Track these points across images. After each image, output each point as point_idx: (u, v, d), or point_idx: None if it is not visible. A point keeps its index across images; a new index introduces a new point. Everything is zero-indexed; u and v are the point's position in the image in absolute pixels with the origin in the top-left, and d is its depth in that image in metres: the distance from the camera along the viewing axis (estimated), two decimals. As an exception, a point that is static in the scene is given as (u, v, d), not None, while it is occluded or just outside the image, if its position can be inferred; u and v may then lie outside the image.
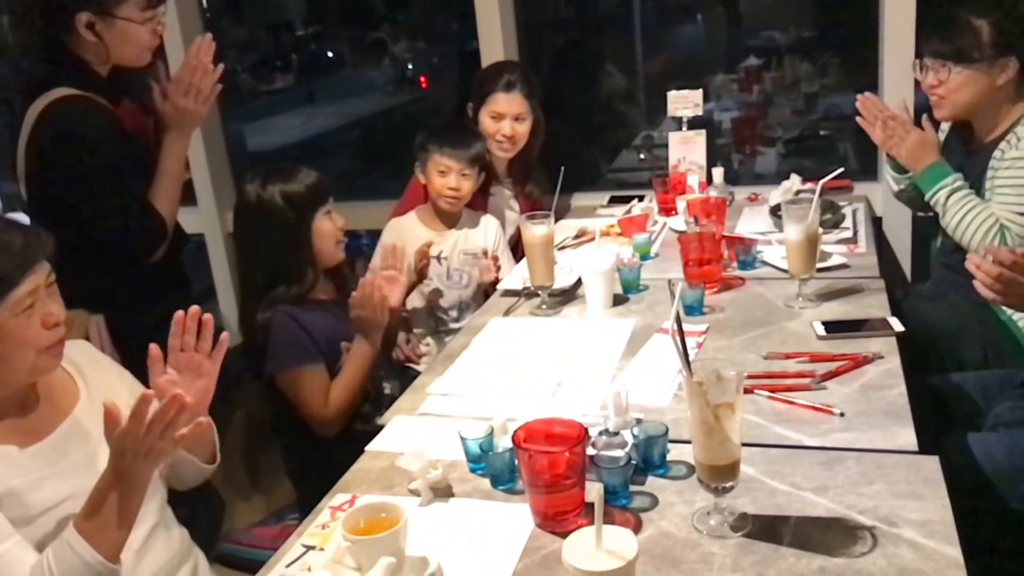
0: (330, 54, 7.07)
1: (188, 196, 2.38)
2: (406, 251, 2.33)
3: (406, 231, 2.59)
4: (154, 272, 2.20)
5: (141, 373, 1.63)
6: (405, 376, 2.36)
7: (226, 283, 3.49)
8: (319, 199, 2.03)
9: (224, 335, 1.52)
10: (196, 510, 1.67)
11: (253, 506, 2.08)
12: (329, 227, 2.05)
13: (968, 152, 2.33)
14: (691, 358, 1.21)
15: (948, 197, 2.21)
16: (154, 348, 1.47)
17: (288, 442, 2.10)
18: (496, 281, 2.49)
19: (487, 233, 2.64)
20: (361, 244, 3.47)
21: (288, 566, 1.28)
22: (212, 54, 2.12)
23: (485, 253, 2.56)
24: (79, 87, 2.04)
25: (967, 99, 2.22)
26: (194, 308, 1.51)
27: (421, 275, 2.49)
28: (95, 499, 1.29)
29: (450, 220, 2.62)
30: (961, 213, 2.17)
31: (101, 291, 2.10)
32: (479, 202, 2.77)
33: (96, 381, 1.50)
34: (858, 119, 2.42)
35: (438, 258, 2.59)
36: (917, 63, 2.31)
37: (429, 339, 2.64)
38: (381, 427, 1.67)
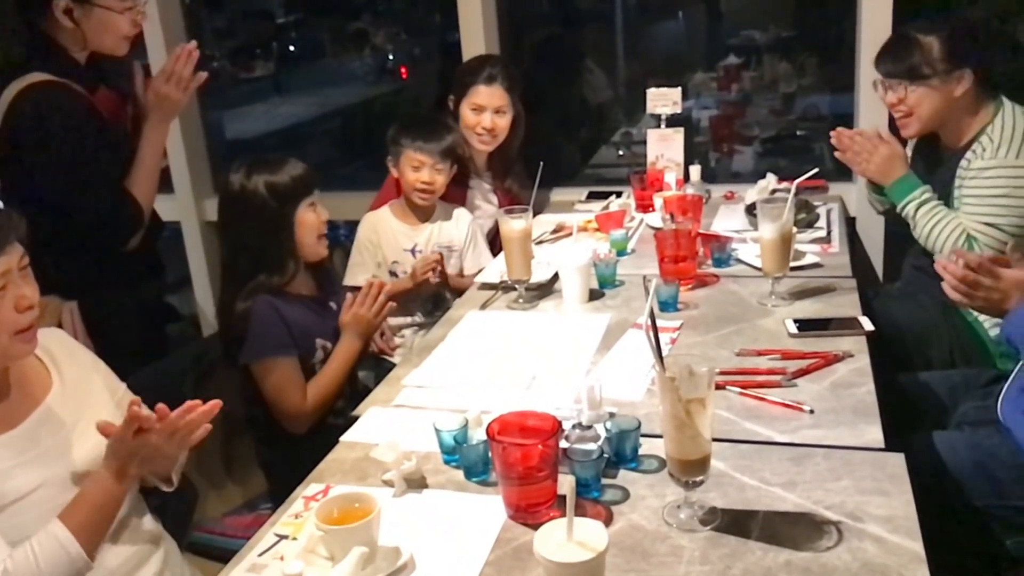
0: (310, 43, 7.04)
1: (165, 183, 2.37)
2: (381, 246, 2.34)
3: (381, 225, 2.60)
4: (129, 259, 2.19)
5: (114, 360, 1.62)
6: (380, 368, 2.37)
7: (201, 271, 3.47)
8: (304, 191, 2.02)
9: (217, 402, 1.36)
10: (168, 499, 1.66)
11: (225, 496, 2.07)
12: (312, 219, 2.04)
13: (936, 161, 2.37)
14: (664, 354, 1.23)
15: (917, 210, 2.26)
16: (133, 405, 1.32)
17: (261, 432, 2.09)
18: (444, 277, 2.52)
19: (460, 226, 2.66)
20: (339, 235, 3.46)
21: (261, 555, 1.28)
22: (194, 62, 2.11)
23: (441, 257, 2.55)
24: (55, 73, 2.02)
25: (929, 113, 2.26)
26: (215, 402, 1.36)
27: (419, 284, 2.49)
28: (89, 498, 1.31)
29: (424, 214, 2.63)
30: (930, 225, 2.22)
31: (75, 277, 2.09)
32: (457, 195, 2.78)
33: (69, 370, 1.49)
34: (836, 154, 2.47)
35: (412, 251, 2.60)
36: (877, 82, 2.34)
37: (404, 331, 2.65)
38: (355, 419, 1.68)
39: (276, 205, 1.99)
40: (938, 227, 2.20)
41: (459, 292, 2.48)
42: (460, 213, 2.69)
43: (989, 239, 2.13)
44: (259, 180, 1.99)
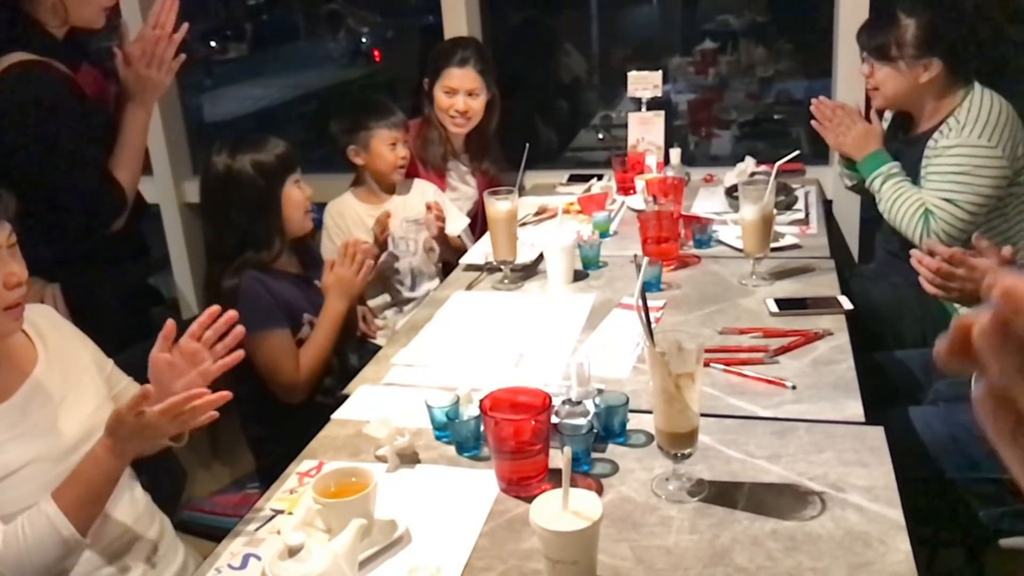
0: (283, 25, 6.97)
1: (144, 166, 2.35)
2: (351, 232, 2.38)
3: (346, 211, 2.62)
4: (113, 241, 2.18)
5: (98, 341, 1.62)
6: (364, 349, 2.38)
7: (181, 253, 3.46)
8: (288, 168, 2.05)
9: (239, 353, 1.50)
10: (157, 477, 1.67)
11: (213, 474, 2.09)
12: (298, 195, 2.07)
13: (907, 141, 2.42)
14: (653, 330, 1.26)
15: (883, 183, 2.32)
16: (171, 323, 1.47)
17: (249, 411, 2.10)
18: (442, 232, 2.57)
19: (424, 196, 2.68)
20: (314, 217, 3.45)
21: (257, 529, 1.30)
22: (175, 15, 2.08)
23: (428, 207, 2.59)
24: (36, 52, 2.00)
25: (891, 92, 2.33)
26: (232, 313, 1.49)
27: (383, 246, 2.52)
28: (82, 476, 1.31)
29: (386, 192, 2.65)
30: (893, 198, 2.28)
31: (58, 259, 2.07)
32: (435, 178, 2.79)
33: (56, 345, 1.50)
34: (813, 123, 2.51)
35: None
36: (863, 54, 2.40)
37: (386, 313, 2.66)
38: (344, 397, 1.70)
39: (263, 183, 2.00)
40: (899, 200, 2.26)
41: (456, 252, 2.54)
42: (422, 184, 2.72)
43: (946, 215, 2.18)
44: (245, 159, 2.00)
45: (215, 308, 1.49)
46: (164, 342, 1.45)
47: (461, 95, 2.76)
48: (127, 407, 1.28)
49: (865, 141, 2.41)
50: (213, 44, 6.23)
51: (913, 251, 1.80)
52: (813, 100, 2.52)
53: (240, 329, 1.50)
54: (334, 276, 2.11)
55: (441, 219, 2.58)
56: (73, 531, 1.29)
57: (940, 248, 1.75)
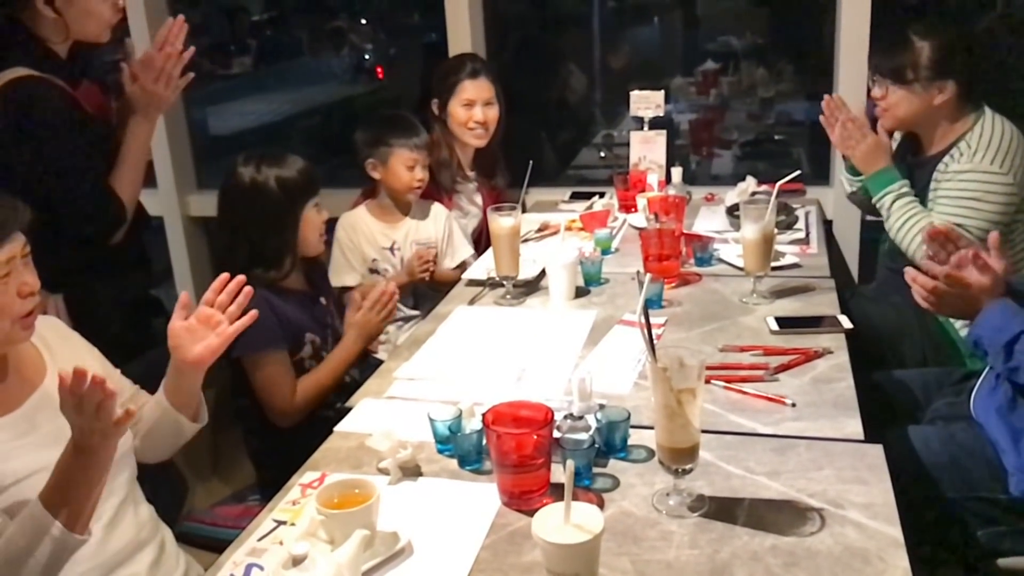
0: (287, 41, 7.01)
1: (148, 178, 2.37)
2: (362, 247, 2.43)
3: (359, 225, 2.63)
4: (115, 252, 2.19)
5: (100, 352, 1.63)
6: (365, 364, 2.39)
7: (184, 265, 3.47)
8: (311, 189, 2.06)
9: (254, 312, 1.59)
10: (158, 489, 1.68)
11: (214, 487, 2.08)
12: (316, 219, 2.09)
13: (916, 163, 2.43)
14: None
15: (893, 202, 2.32)
16: (185, 294, 1.55)
17: (250, 424, 2.10)
18: (431, 276, 2.58)
19: (437, 222, 2.70)
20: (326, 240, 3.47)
21: (260, 540, 1.30)
22: (184, 36, 2.11)
23: (419, 256, 2.59)
24: (36, 68, 2.01)
25: (903, 115, 2.33)
26: (241, 277, 1.58)
27: (416, 278, 2.56)
28: (58, 471, 1.29)
29: (402, 211, 2.66)
30: (904, 218, 2.28)
31: (61, 271, 2.08)
32: (444, 199, 2.80)
33: (64, 356, 1.51)
34: (821, 118, 2.50)
35: (391, 249, 2.63)
36: (869, 73, 2.41)
37: (388, 328, 2.67)
38: (347, 410, 1.70)
39: (286, 200, 2.01)
40: (910, 221, 2.26)
41: (442, 285, 2.52)
42: (436, 209, 2.73)
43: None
44: (270, 174, 2.01)
45: (225, 275, 1.57)
46: (181, 311, 1.54)
47: (479, 106, 2.78)
48: (66, 391, 1.23)
49: (875, 156, 2.40)
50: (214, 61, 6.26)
51: (907, 268, 1.81)
52: (827, 96, 2.49)
53: (249, 289, 1.58)
54: (361, 319, 2.12)
55: (426, 268, 2.57)
56: (62, 528, 1.26)
57: (935, 268, 1.76)
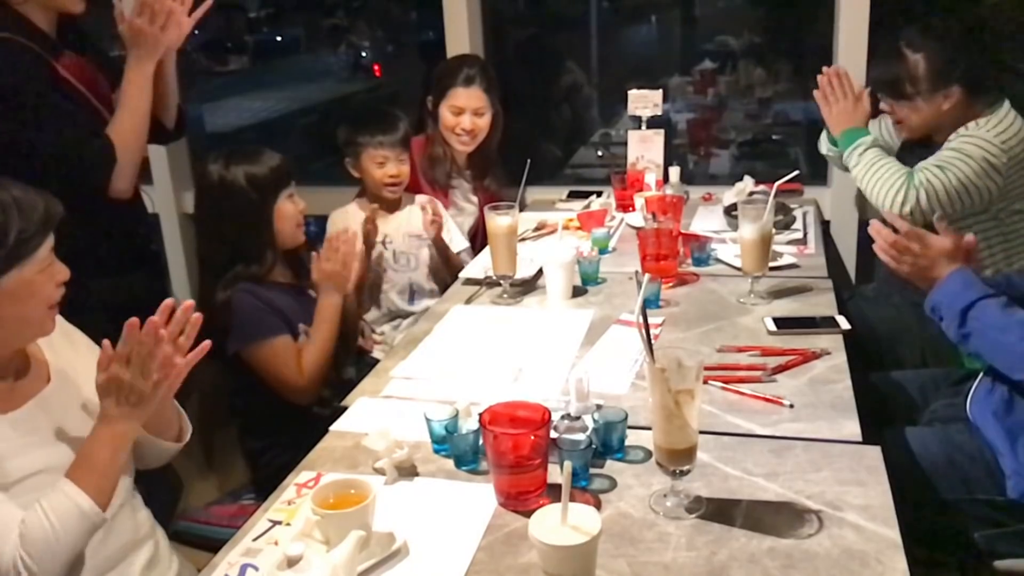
0: (284, 38, 7.01)
1: (144, 175, 2.34)
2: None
3: (350, 221, 2.61)
4: (114, 248, 2.17)
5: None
6: (361, 363, 2.38)
7: (179, 263, 3.46)
8: (282, 182, 2.05)
9: (206, 343, 1.43)
10: (153, 488, 1.67)
11: (209, 486, 2.08)
12: (291, 209, 2.07)
13: (925, 148, 2.39)
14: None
15: (862, 153, 2.29)
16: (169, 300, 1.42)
17: (246, 422, 2.10)
18: (439, 236, 2.58)
19: (425, 212, 2.67)
20: (309, 231, 3.45)
21: (255, 539, 1.30)
22: None
23: (423, 208, 2.59)
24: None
25: (916, 124, 2.30)
26: (188, 302, 1.43)
27: (370, 246, 2.54)
28: (87, 447, 1.34)
29: (391, 206, 2.65)
30: (869, 166, 2.25)
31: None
32: (439, 195, 2.80)
33: (68, 355, 1.51)
34: (815, 93, 2.47)
35: (383, 243, 2.62)
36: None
37: (383, 328, 2.66)
38: (341, 409, 1.70)
39: (256, 196, 2.00)
40: (878, 167, 2.23)
41: (454, 269, 2.55)
42: (427, 200, 2.71)
43: (932, 177, 2.13)
44: (239, 171, 2.00)
45: (170, 301, 1.40)
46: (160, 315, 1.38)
47: (467, 114, 2.77)
48: (110, 358, 1.32)
49: (850, 116, 2.39)
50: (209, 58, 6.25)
51: (872, 220, 1.79)
52: (825, 69, 2.45)
53: (198, 316, 1.41)
54: (322, 271, 2.10)
55: (437, 221, 2.56)
56: (93, 504, 1.31)
57: (899, 222, 1.75)
